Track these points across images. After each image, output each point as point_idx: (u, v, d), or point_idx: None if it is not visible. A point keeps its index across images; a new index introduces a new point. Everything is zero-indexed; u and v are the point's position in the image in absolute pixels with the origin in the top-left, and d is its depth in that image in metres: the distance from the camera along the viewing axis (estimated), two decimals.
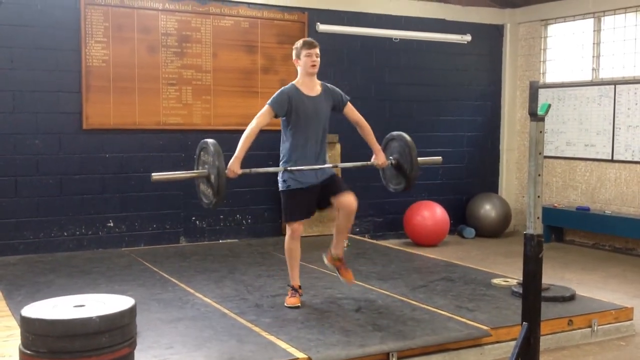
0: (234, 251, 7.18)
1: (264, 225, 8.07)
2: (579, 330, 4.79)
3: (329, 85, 5.03)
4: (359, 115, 5.07)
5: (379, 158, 5.03)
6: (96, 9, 7.06)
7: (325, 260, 5.18)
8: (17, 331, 4.11)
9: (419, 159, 5.02)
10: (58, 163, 7.03)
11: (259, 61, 7.88)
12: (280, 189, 4.94)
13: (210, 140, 4.56)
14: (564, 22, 8.83)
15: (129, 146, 7.35)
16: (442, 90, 9.07)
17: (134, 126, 7.32)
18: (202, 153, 4.65)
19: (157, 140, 7.47)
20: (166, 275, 5.96)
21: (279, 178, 4.95)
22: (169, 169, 7.42)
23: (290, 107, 4.81)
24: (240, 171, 4.63)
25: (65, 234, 7.09)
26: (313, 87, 4.91)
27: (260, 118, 4.79)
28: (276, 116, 4.86)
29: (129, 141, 7.34)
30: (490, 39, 9.37)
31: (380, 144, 5.13)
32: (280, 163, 4.94)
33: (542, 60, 9.16)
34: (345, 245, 7.32)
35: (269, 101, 4.84)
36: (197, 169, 4.68)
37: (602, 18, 8.38)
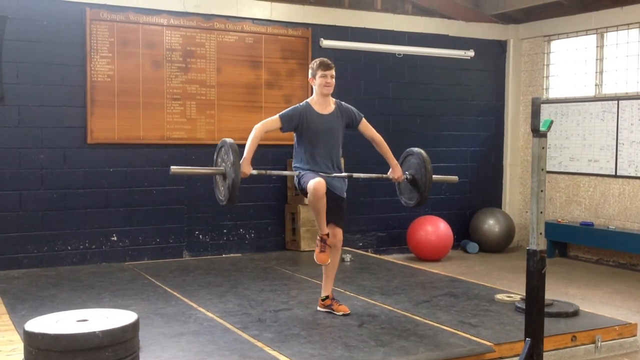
0: (237, 266, 7.18)
1: (267, 239, 8.08)
2: (583, 347, 4.77)
3: (343, 103, 5.11)
4: (374, 131, 5.16)
5: (395, 172, 5.11)
6: (101, 25, 7.11)
7: (318, 307, 5.24)
8: (20, 345, 4.11)
9: (434, 176, 5.10)
10: (62, 177, 7.06)
11: (263, 76, 7.92)
12: (297, 178, 4.96)
13: (227, 140, 4.64)
14: (567, 38, 8.87)
15: (133, 160, 7.37)
16: (445, 105, 9.09)
17: (139, 140, 7.35)
18: (221, 150, 4.73)
19: (162, 154, 7.50)
20: (169, 290, 5.96)
21: (295, 180, 5.02)
22: (173, 184, 7.52)
23: (301, 124, 4.91)
24: (249, 171, 4.72)
25: (69, 248, 7.11)
26: (327, 106, 5.00)
27: (267, 123, 4.92)
28: (282, 129, 4.92)
29: (133, 155, 7.37)
30: (493, 54, 9.41)
31: (397, 158, 5.20)
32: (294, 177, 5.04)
33: (545, 75, 9.18)
34: (349, 259, 7.35)
35: (280, 113, 4.95)
36: (215, 165, 4.80)
37: (605, 34, 8.41)
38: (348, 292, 5.88)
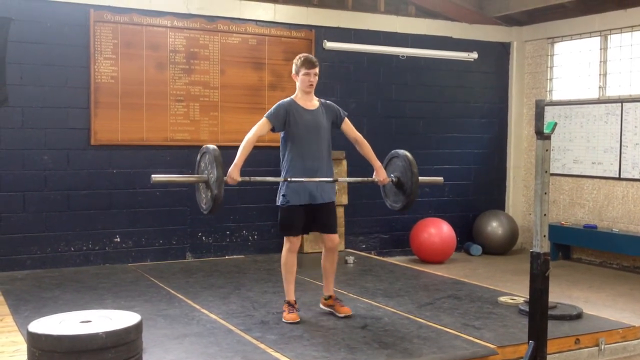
0: (240, 267, 7.18)
1: (270, 241, 8.07)
2: (586, 349, 4.75)
3: (327, 101, 5.11)
4: (357, 132, 5.12)
5: (379, 175, 5.05)
6: (105, 26, 7.12)
7: (321, 305, 5.25)
8: (23, 346, 4.12)
9: (420, 178, 5.03)
10: (66, 178, 7.07)
11: (267, 78, 7.92)
12: (279, 203, 4.99)
13: (211, 146, 4.62)
14: (571, 40, 8.85)
15: (137, 162, 7.38)
16: (448, 107, 9.08)
17: (142, 142, 7.35)
18: (205, 157, 4.68)
19: (165, 156, 7.50)
20: (172, 291, 5.96)
21: (279, 193, 5.00)
22: (176, 185, 7.50)
23: (288, 120, 4.88)
24: (239, 178, 4.70)
25: (72, 249, 7.11)
26: (311, 102, 5.00)
27: (257, 128, 4.90)
28: (273, 129, 4.91)
29: (137, 157, 7.37)
30: (496, 56, 9.40)
31: (382, 161, 5.16)
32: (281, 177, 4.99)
33: (548, 78, 9.17)
34: (352, 262, 7.34)
35: (266, 114, 4.94)
36: (197, 173, 4.74)
37: (609, 36, 8.40)
38: (351, 294, 5.87)
